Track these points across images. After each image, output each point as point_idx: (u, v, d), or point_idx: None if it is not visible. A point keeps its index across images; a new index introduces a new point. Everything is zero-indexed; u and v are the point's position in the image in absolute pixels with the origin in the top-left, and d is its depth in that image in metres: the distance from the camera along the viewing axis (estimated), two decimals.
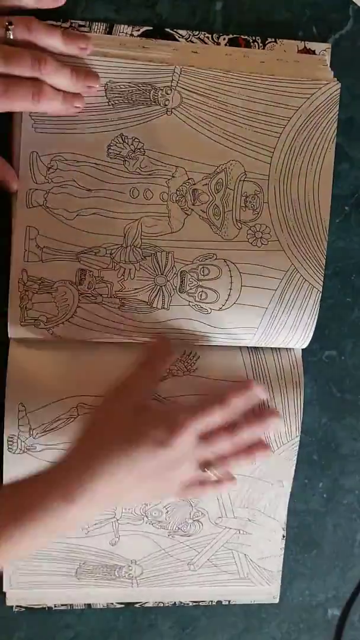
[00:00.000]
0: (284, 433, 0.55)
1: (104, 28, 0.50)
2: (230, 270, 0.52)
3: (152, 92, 0.50)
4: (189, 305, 0.52)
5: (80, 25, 0.49)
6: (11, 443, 0.52)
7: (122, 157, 0.50)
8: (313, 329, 0.54)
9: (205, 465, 0.50)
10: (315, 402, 0.59)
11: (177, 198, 0.51)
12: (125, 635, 0.59)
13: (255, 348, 0.55)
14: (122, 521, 0.55)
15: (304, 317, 0.54)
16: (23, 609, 0.56)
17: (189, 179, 0.51)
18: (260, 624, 0.61)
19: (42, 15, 0.47)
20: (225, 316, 0.52)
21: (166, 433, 0.47)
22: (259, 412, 0.53)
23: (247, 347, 0.55)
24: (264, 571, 0.59)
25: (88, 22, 0.49)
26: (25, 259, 0.49)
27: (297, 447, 0.56)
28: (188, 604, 0.59)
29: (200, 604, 0.59)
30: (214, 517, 0.57)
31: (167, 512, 0.56)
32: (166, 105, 0.50)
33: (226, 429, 0.50)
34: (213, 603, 0.59)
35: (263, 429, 0.52)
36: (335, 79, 0.52)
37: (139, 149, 0.50)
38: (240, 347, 0.55)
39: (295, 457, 0.56)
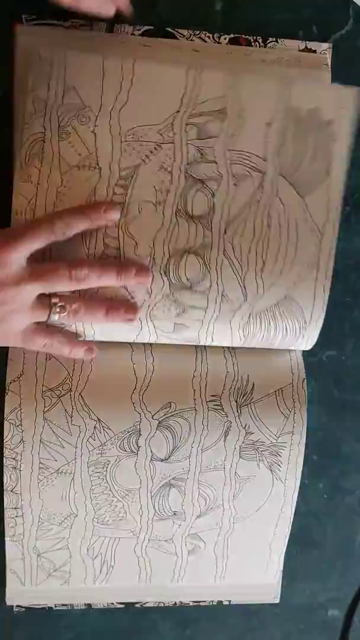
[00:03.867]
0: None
1: (104, 28, 0.50)
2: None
3: None
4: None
5: (81, 25, 0.49)
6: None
7: None
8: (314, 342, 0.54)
9: (46, 307, 0.44)
10: (316, 402, 0.58)
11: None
12: (125, 636, 0.59)
13: None
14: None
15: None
16: (23, 609, 0.56)
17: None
18: (260, 624, 0.61)
19: (42, 14, 0.48)
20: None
21: None
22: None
23: None
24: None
25: (89, 22, 0.49)
26: None
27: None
28: (188, 603, 0.59)
29: (201, 604, 0.59)
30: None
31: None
32: None
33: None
34: (214, 603, 0.59)
35: (124, 280, 0.46)
36: None
37: None
38: None
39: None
